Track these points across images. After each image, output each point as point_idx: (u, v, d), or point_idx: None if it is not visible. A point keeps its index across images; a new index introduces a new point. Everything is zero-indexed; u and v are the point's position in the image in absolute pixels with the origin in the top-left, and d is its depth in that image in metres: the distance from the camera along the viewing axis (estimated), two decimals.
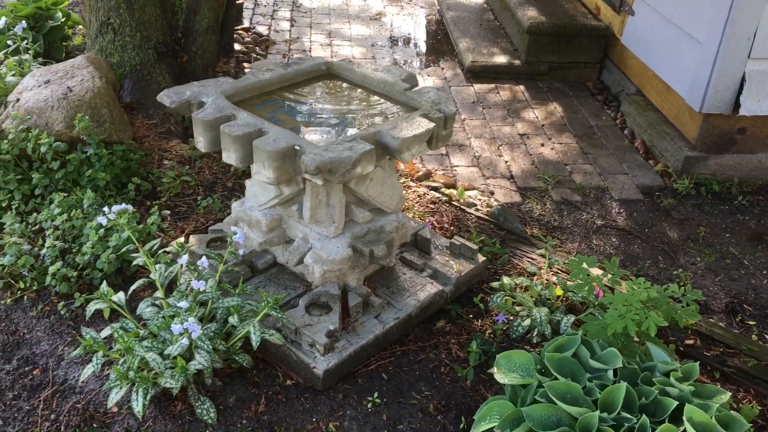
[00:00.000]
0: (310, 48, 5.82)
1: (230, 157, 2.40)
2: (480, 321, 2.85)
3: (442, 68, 5.60)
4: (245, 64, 5.31)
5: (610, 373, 2.06)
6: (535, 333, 2.78)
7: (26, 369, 2.55)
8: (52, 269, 2.73)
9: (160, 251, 2.65)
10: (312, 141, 2.41)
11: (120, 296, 2.52)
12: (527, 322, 2.78)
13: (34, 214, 3.06)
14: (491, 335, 2.79)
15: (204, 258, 2.27)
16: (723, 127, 4.01)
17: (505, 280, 2.92)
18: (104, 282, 2.50)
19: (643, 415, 1.91)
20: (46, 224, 2.99)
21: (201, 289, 2.24)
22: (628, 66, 5.05)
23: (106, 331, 2.46)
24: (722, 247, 3.60)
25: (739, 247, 3.59)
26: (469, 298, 2.96)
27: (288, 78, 2.83)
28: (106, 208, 2.43)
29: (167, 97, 2.56)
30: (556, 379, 2.11)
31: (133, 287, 2.55)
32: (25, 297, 2.81)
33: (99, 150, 3.28)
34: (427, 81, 5.33)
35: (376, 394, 2.45)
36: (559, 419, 1.97)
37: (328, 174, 2.23)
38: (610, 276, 2.63)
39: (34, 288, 2.83)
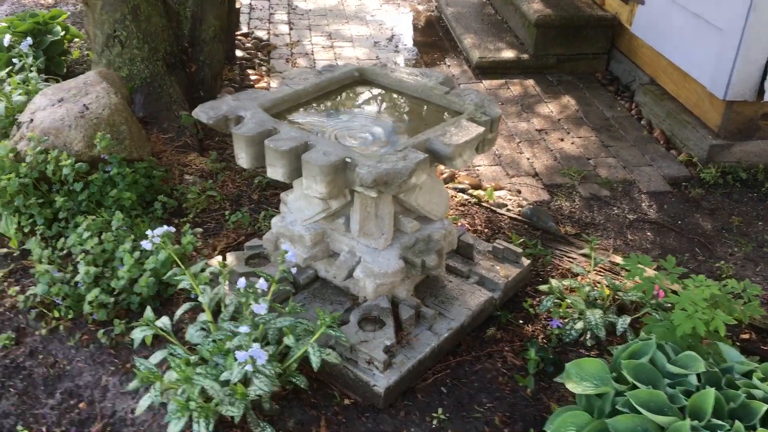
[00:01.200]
0: (312, 51, 5.72)
1: (276, 172, 2.31)
2: (531, 326, 2.78)
3: (448, 65, 5.53)
4: (249, 71, 5.21)
5: (693, 378, 2.00)
6: (588, 336, 2.72)
7: (71, 403, 2.44)
8: (90, 296, 2.63)
9: (203, 272, 2.55)
10: (362, 152, 2.32)
11: (165, 321, 2.42)
12: (579, 325, 2.73)
13: (62, 239, 2.95)
14: (544, 340, 2.72)
15: (262, 280, 2.18)
16: (747, 114, 3.98)
17: (553, 283, 2.85)
18: (148, 308, 2.40)
19: (736, 421, 1.85)
20: (75, 249, 2.88)
21: (261, 314, 2.15)
22: (638, 55, 5.01)
23: (155, 357, 2.36)
24: (757, 236, 3.56)
25: None
26: (515, 302, 2.89)
27: (322, 87, 2.74)
28: (149, 232, 2.33)
29: (204, 114, 2.47)
30: (633, 386, 2.05)
31: (179, 312, 2.45)
32: (61, 326, 2.71)
33: (122, 169, 3.17)
34: None
35: (440, 410, 2.37)
36: (645, 430, 1.91)
37: (384, 186, 2.15)
38: (668, 275, 2.57)
39: (70, 316, 2.72)
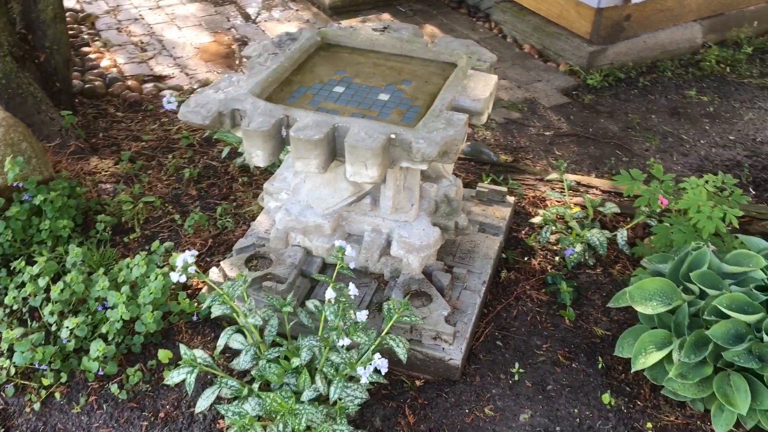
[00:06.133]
0: (140, 15, 5.12)
1: (310, 164, 2.07)
2: (535, 260, 2.85)
3: (296, 10, 5.26)
4: (85, 48, 4.55)
5: (757, 273, 2.18)
6: (587, 256, 2.84)
7: None
8: (94, 351, 2.22)
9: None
10: (405, 124, 2.15)
11: (200, 354, 2.12)
12: (579, 247, 2.84)
13: (8, 294, 2.43)
14: (553, 270, 2.80)
15: (352, 286, 1.98)
16: (614, 18, 4.27)
17: (545, 213, 2.92)
18: (182, 345, 2.08)
19: None
20: (35, 301, 2.40)
21: (363, 320, 1.97)
22: None
23: (207, 397, 2.08)
24: (656, 128, 3.90)
25: (669, 125, 3.93)
26: (508, 241, 2.93)
27: (296, 59, 2.47)
28: (178, 261, 2.00)
29: (195, 114, 2.12)
30: (702, 295, 2.20)
31: (221, 341, 2.16)
32: (57, 394, 2.28)
33: (44, 194, 2.66)
34: (288, 26, 4.98)
35: (517, 365, 2.37)
36: (737, 331, 2.07)
37: (442, 156, 2.03)
38: (661, 183, 2.74)
39: (63, 380, 2.29)
